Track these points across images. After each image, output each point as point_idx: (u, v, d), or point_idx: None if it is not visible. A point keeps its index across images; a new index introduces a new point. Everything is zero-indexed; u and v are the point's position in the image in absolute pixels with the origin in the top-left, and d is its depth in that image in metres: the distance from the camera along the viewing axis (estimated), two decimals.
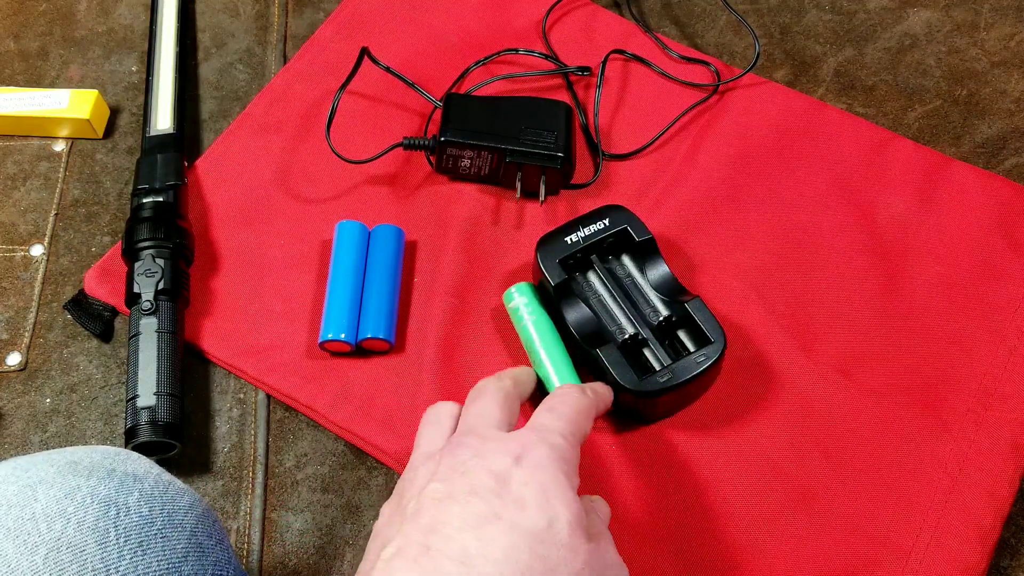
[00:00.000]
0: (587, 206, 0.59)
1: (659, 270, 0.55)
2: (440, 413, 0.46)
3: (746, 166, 0.62)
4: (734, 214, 0.60)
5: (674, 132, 0.64)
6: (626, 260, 0.57)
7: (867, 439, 0.53)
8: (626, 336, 0.53)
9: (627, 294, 0.55)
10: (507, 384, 0.45)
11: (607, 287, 0.55)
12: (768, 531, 0.50)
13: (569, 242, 0.55)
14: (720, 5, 0.72)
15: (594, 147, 0.63)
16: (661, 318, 0.54)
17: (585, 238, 0.55)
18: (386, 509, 0.42)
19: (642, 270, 0.56)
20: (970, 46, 0.70)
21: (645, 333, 0.53)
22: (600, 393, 0.49)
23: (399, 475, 0.53)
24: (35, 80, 0.68)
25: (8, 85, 0.68)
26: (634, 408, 0.52)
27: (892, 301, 0.57)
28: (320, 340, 0.55)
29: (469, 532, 0.36)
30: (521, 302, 0.55)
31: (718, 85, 0.66)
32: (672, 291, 0.54)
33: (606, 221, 0.55)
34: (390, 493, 0.53)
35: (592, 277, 0.56)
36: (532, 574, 0.36)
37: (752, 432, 0.53)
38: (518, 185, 0.60)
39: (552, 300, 0.54)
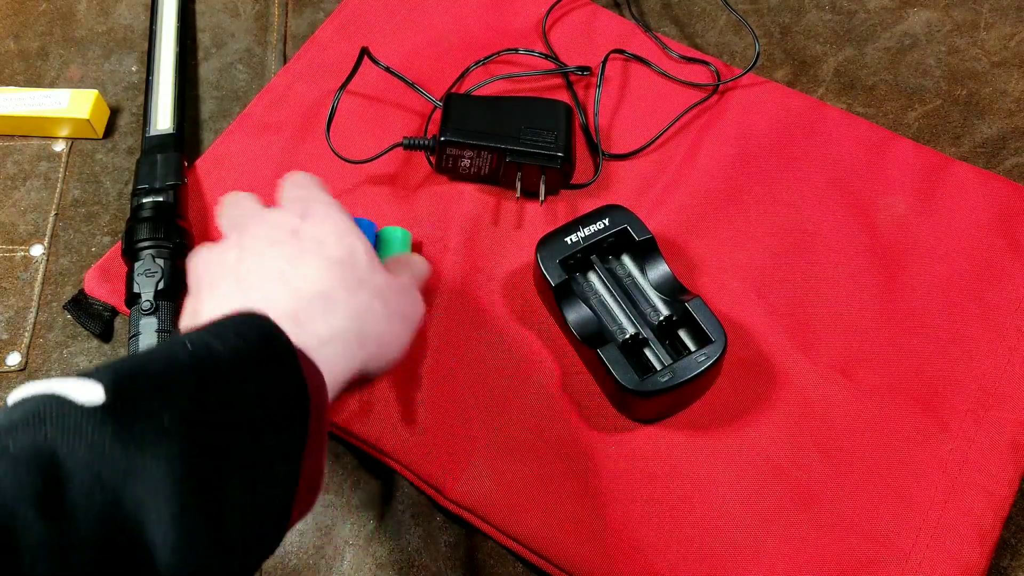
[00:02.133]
0: (587, 206, 0.59)
1: (659, 270, 0.55)
2: (240, 198, 0.49)
3: (746, 166, 0.62)
4: (734, 214, 0.60)
5: (674, 132, 0.64)
6: (626, 260, 0.57)
7: (867, 439, 0.53)
8: (627, 336, 0.53)
9: (627, 294, 0.55)
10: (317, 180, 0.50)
11: (607, 287, 0.55)
12: (768, 531, 0.50)
13: (569, 242, 0.55)
14: (720, 5, 0.72)
15: (594, 147, 0.63)
16: (662, 318, 0.54)
17: (585, 238, 0.55)
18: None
19: (642, 270, 0.56)
20: (970, 46, 0.70)
21: (646, 333, 0.53)
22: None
23: (399, 474, 0.53)
24: (35, 80, 0.68)
25: (8, 85, 0.68)
26: (635, 408, 0.52)
27: (892, 301, 0.57)
28: None
29: (283, 262, 0.41)
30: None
31: (718, 85, 0.66)
32: (672, 291, 0.54)
33: (606, 221, 0.55)
34: (390, 493, 0.53)
35: (592, 277, 0.56)
36: (343, 289, 0.41)
37: (752, 432, 0.53)
38: (518, 185, 0.60)
39: (553, 300, 0.54)
